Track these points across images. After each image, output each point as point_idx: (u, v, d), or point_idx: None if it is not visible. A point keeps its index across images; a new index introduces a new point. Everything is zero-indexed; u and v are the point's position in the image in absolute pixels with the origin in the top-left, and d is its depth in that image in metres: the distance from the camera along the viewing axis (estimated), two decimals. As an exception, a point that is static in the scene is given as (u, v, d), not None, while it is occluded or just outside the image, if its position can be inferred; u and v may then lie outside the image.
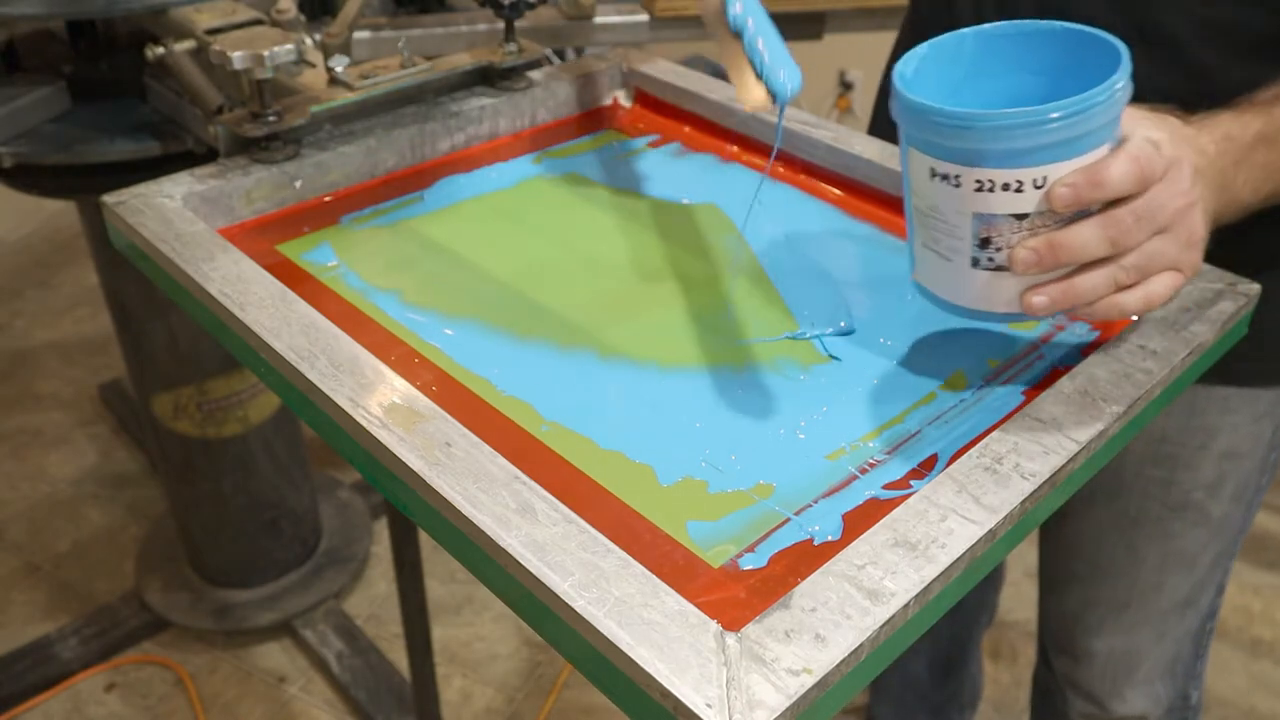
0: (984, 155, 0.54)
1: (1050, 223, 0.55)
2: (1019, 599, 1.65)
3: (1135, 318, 0.63)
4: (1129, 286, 0.56)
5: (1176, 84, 0.68)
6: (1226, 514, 0.93)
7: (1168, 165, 0.55)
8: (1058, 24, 0.59)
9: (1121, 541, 0.95)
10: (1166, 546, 0.94)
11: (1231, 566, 0.99)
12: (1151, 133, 0.56)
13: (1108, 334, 0.66)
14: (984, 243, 0.56)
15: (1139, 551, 0.95)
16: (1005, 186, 0.54)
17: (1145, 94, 0.58)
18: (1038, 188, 0.54)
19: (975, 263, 0.57)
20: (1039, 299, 0.56)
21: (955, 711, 1.39)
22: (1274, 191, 0.65)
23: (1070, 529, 0.99)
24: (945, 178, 0.56)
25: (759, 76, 0.60)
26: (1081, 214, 0.55)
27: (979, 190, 0.55)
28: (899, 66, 0.58)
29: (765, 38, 0.61)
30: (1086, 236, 0.54)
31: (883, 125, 0.98)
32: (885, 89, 1.01)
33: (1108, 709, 1.04)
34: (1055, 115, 0.52)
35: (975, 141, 0.54)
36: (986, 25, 0.61)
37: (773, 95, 0.60)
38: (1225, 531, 0.94)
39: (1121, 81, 0.54)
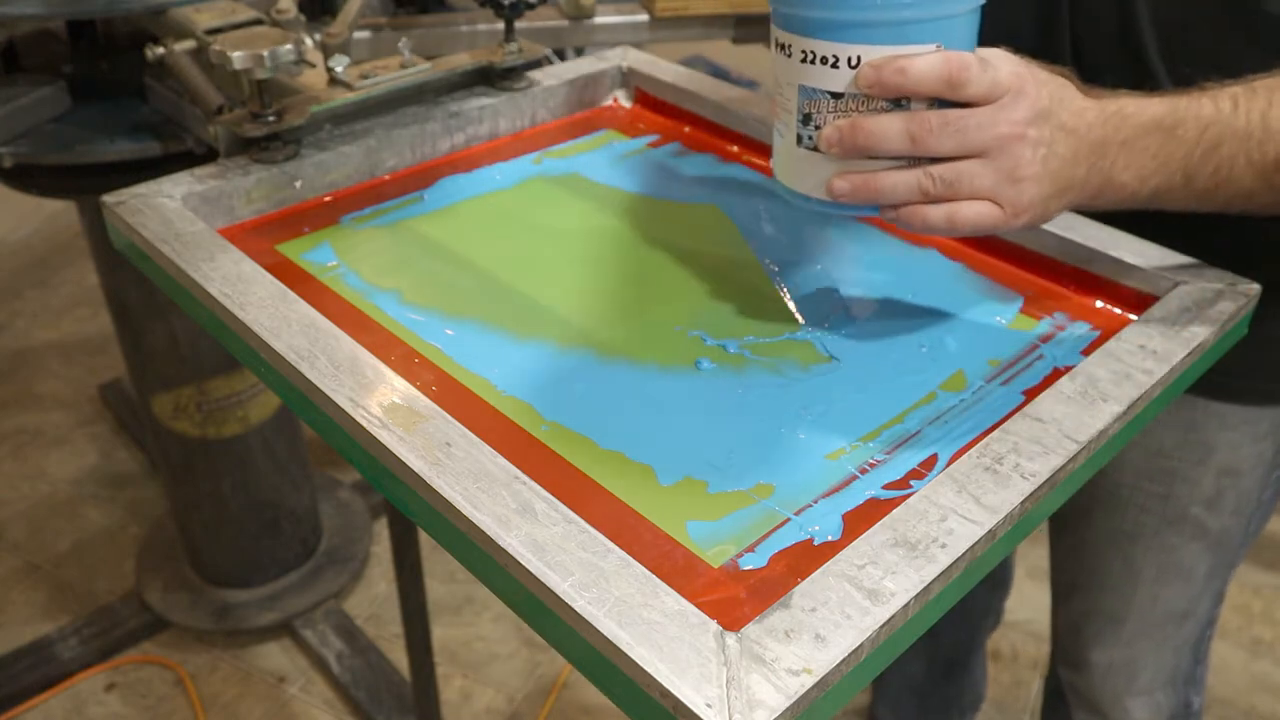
0: (808, 24, 0.56)
1: (862, 108, 0.56)
2: (1021, 600, 1.65)
3: (945, 234, 0.62)
4: (937, 201, 0.56)
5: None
6: (1225, 527, 0.92)
7: (994, 87, 0.55)
8: None
9: (1119, 556, 0.95)
10: (1163, 559, 0.93)
11: (1231, 576, 0.98)
12: (1002, 63, 0.55)
13: (1108, 334, 0.66)
14: (806, 119, 0.58)
15: (1135, 565, 0.94)
16: (824, 60, 0.56)
17: None
18: (852, 67, 0.55)
19: (799, 140, 0.58)
20: (841, 184, 0.57)
21: (956, 714, 1.39)
22: (1166, 186, 0.61)
23: (1072, 540, 0.99)
24: (782, 48, 0.57)
25: None
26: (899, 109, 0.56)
27: (804, 61, 0.56)
28: None
29: None
30: (887, 125, 0.55)
31: None
32: None
33: (1110, 719, 1.03)
34: None
35: (802, 8, 0.55)
36: None
37: None
38: (1225, 544, 0.93)
39: None
